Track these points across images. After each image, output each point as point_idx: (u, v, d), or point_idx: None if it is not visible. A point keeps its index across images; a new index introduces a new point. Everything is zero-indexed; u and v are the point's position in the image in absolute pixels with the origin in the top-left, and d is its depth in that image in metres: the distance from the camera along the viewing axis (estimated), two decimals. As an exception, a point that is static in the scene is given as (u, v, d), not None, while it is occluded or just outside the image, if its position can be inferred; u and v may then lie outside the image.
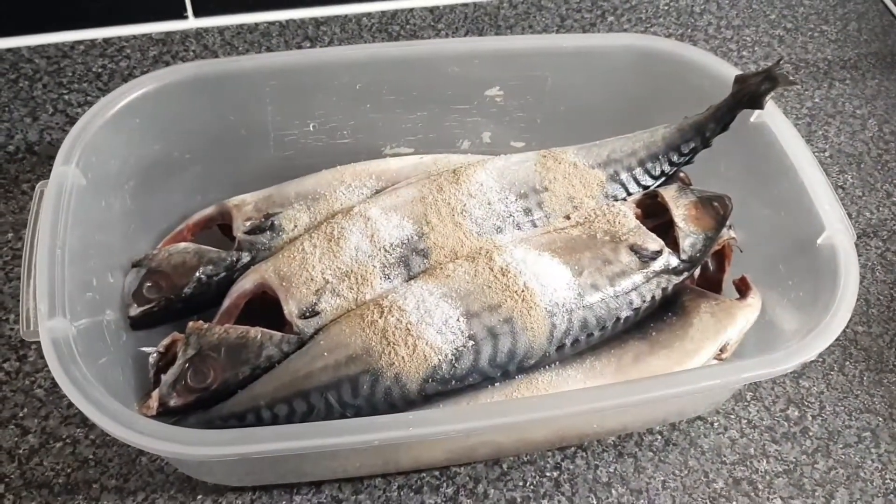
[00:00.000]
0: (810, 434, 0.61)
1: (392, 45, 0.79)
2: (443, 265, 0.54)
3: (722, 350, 0.56)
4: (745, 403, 0.63)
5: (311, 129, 0.64)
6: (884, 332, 0.67)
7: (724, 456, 0.60)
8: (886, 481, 0.59)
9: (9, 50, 0.80)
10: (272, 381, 0.51)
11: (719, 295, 0.60)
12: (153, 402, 0.50)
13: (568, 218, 0.57)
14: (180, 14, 0.83)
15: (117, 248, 0.57)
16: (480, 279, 0.52)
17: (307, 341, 0.52)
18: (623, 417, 0.58)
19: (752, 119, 0.60)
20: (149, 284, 0.56)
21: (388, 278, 0.54)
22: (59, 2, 0.79)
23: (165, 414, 0.50)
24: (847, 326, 0.50)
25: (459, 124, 0.67)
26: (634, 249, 0.55)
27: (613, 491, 0.57)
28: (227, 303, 0.55)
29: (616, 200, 0.59)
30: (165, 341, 0.53)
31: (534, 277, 0.52)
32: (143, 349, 0.55)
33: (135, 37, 0.83)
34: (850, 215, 0.64)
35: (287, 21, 0.86)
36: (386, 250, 0.54)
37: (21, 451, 0.56)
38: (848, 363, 0.65)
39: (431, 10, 0.89)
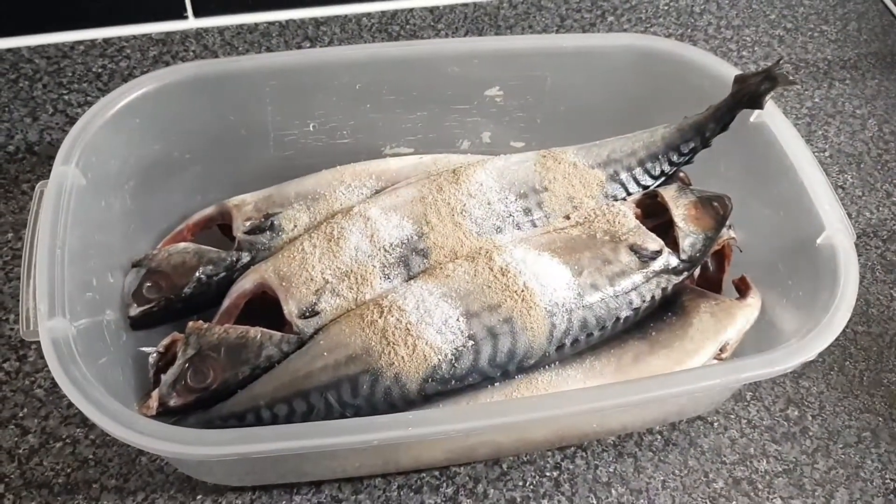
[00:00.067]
0: (810, 434, 0.61)
1: (392, 45, 0.79)
2: (442, 265, 0.54)
3: (722, 350, 0.56)
4: (745, 403, 0.63)
5: (311, 129, 0.64)
6: (884, 332, 0.67)
7: (724, 456, 0.60)
8: (886, 481, 0.59)
9: (9, 50, 0.80)
10: (272, 381, 0.51)
11: (719, 295, 0.60)
12: (153, 402, 0.50)
13: (568, 218, 0.57)
14: (180, 14, 0.83)
15: (117, 248, 0.57)
16: (480, 279, 0.52)
17: (307, 341, 0.52)
18: (623, 417, 0.58)
19: (751, 119, 0.60)
20: (149, 284, 0.56)
21: (388, 278, 0.54)
22: (59, 2, 0.79)
23: (165, 414, 0.50)
24: (847, 326, 0.50)
25: (459, 124, 0.67)
26: (634, 249, 0.55)
27: (613, 491, 0.58)
28: (226, 303, 0.55)
29: (616, 200, 0.59)
30: (165, 341, 0.53)
31: (533, 277, 0.52)
32: (143, 349, 0.55)
33: (135, 37, 0.83)
34: (850, 215, 0.64)
35: (287, 21, 0.86)
36: (386, 250, 0.54)
37: (21, 451, 0.56)
38: (848, 363, 0.65)
39: (431, 10, 0.89)
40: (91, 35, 0.82)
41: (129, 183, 0.58)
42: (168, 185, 0.62)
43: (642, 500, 0.57)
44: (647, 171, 0.60)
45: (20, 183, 0.71)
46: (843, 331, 0.50)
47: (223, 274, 0.57)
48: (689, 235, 0.56)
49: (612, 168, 0.60)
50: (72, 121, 0.75)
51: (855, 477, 0.59)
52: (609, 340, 0.55)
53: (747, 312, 0.57)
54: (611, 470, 0.58)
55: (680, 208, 0.57)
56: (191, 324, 0.52)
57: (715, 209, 0.58)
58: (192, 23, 0.84)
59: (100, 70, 0.80)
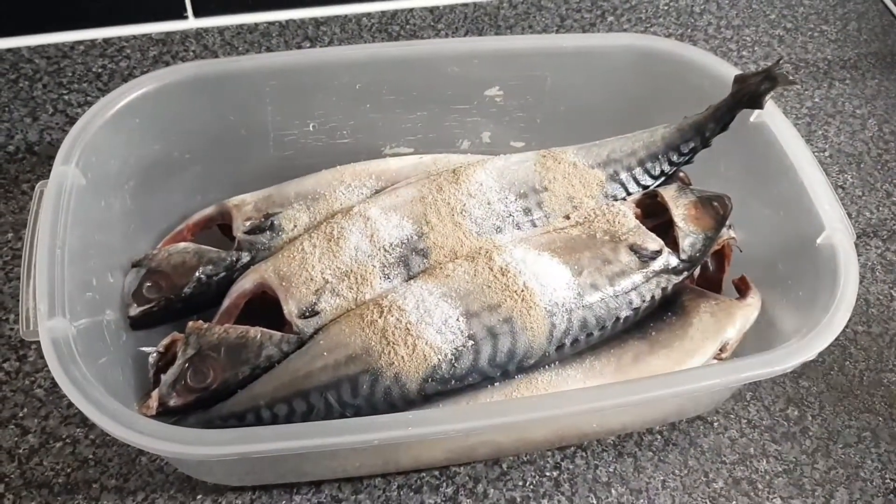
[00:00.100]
0: (810, 434, 0.61)
1: (392, 45, 0.79)
2: (442, 265, 0.54)
3: (722, 350, 0.56)
4: (745, 403, 0.63)
5: (311, 129, 0.64)
6: (884, 332, 0.67)
7: (724, 456, 0.60)
8: (886, 481, 0.59)
9: (9, 50, 0.80)
10: (272, 381, 0.51)
11: (719, 295, 0.60)
12: (153, 402, 0.50)
13: (567, 218, 0.57)
14: (180, 14, 0.83)
15: (117, 248, 0.57)
16: (480, 279, 0.52)
17: (307, 341, 0.52)
18: (623, 417, 0.58)
19: (751, 119, 0.60)
20: (149, 284, 0.56)
21: (388, 278, 0.54)
22: (59, 2, 0.79)
23: (165, 414, 0.50)
24: (847, 326, 0.50)
25: (459, 124, 0.67)
26: (634, 249, 0.55)
27: (613, 491, 0.58)
28: (226, 303, 0.55)
29: (616, 200, 0.59)
30: (165, 341, 0.53)
31: (533, 277, 0.52)
32: (143, 349, 0.55)
33: (135, 37, 0.83)
34: (850, 215, 0.64)
35: (287, 21, 0.86)
36: (385, 250, 0.54)
37: (21, 451, 0.56)
38: (848, 363, 0.65)
39: (431, 10, 0.89)
40: (91, 35, 0.82)
41: (129, 183, 0.58)
42: (168, 185, 0.62)
43: (642, 500, 0.57)
44: (646, 171, 0.60)
45: (20, 183, 0.71)
46: (843, 331, 0.50)
47: (223, 274, 0.57)
48: (689, 235, 0.56)
49: (611, 168, 0.60)
50: (72, 121, 0.75)
51: (855, 477, 0.59)
52: (609, 340, 0.55)
53: (747, 312, 0.57)
54: (611, 470, 0.58)
55: (680, 208, 0.57)
56: (191, 324, 0.52)
57: (715, 209, 0.58)
58: (192, 23, 0.84)
59: (100, 70, 0.80)
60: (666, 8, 0.93)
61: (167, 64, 0.81)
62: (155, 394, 0.50)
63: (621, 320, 0.54)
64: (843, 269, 0.52)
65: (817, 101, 0.85)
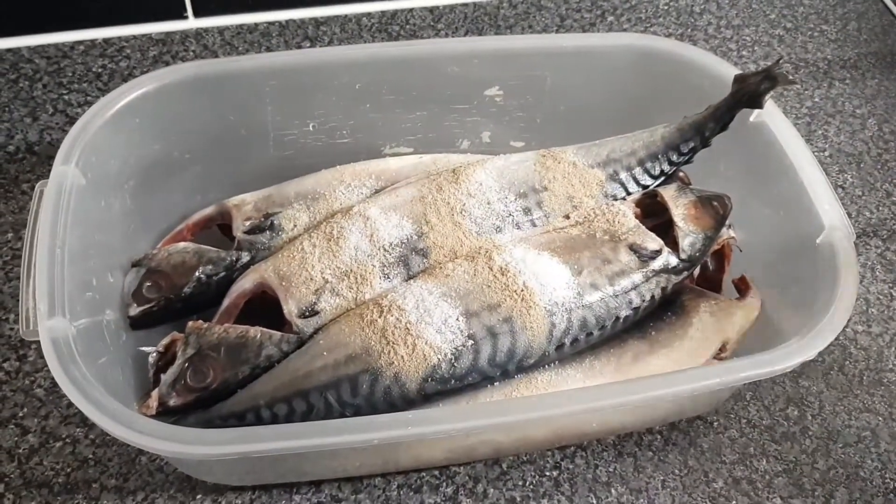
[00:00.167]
0: (810, 434, 0.61)
1: (392, 45, 0.79)
2: (442, 265, 0.54)
3: (722, 350, 0.56)
4: (745, 403, 0.63)
5: (311, 129, 0.64)
6: (884, 331, 0.67)
7: (724, 455, 0.60)
8: (886, 481, 0.59)
9: (9, 50, 0.80)
10: (272, 381, 0.51)
11: (719, 294, 0.60)
12: (153, 402, 0.50)
13: (567, 217, 0.57)
14: (180, 14, 0.83)
15: (117, 247, 0.57)
16: (480, 279, 0.52)
17: (307, 341, 0.52)
18: (623, 417, 0.58)
19: (751, 119, 0.60)
20: (148, 284, 0.56)
21: (388, 278, 0.54)
22: (59, 2, 0.79)
23: (165, 413, 0.50)
24: (847, 326, 0.50)
25: (459, 124, 0.67)
26: (634, 249, 0.55)
27: (613, 490, 0.57)
28: (226, 302, 0.55)
29: (615, 200, 0.59)
30: (165, 341, 0.53)
31: (533, 277, 0.52)
32: (143, 349, 0.55)
33: (135, 37, 0.83)
34: (850, 215, 0.64)
35: (287, 21, 0.86)
36: (385, 250, 0.54)
37: (21, 451, 0.56)
38: (848, 363, 0.65)
39: (431, 10, 0.89)
40: (91, 35, 0.82)
41: (129, 183, 0.59)
42: (168, 185, 0.62)
43: (642, 500, 0.57)
44: (646, 171, 0.60)
45: (20, 183, 0.71)
46: (843, 331, 0.50)
47: (223, 274, 0.57)
48: (689, 235, 0.56)
49: (611, 168, 0.60)
50: (72, 121, 0.75)
51: (855, 477, 0.59)
52: (609, 340, 0.55)
53: (747, 312, 0.57)
54: (610, 469, 0.58)
55: (680, 208, 0.57)
56: (190, 323, 0.52)
57: (715, 209, 0.58)
58: (192, 23, 0.84)
59: (100, 70, 0.80)
60: (666, 8, 0.93)
61: (167, 64, 0.81)
62: (155, 393, 0.50)
63: (621, 320, 0.54)
64: (843, 269, 0.52)
65: (817, 101, 0.85)
